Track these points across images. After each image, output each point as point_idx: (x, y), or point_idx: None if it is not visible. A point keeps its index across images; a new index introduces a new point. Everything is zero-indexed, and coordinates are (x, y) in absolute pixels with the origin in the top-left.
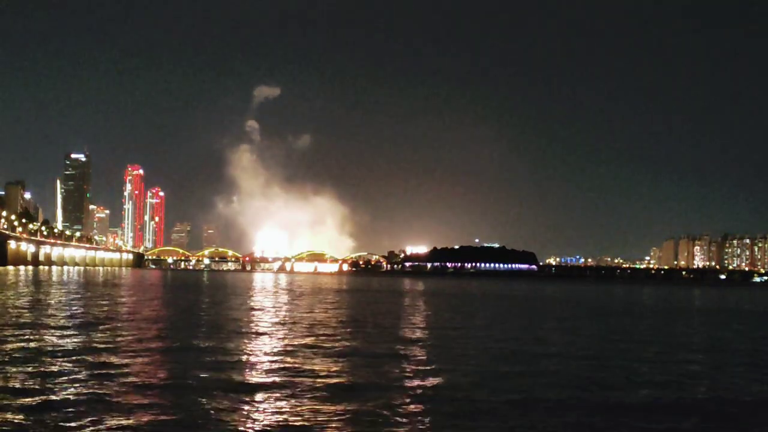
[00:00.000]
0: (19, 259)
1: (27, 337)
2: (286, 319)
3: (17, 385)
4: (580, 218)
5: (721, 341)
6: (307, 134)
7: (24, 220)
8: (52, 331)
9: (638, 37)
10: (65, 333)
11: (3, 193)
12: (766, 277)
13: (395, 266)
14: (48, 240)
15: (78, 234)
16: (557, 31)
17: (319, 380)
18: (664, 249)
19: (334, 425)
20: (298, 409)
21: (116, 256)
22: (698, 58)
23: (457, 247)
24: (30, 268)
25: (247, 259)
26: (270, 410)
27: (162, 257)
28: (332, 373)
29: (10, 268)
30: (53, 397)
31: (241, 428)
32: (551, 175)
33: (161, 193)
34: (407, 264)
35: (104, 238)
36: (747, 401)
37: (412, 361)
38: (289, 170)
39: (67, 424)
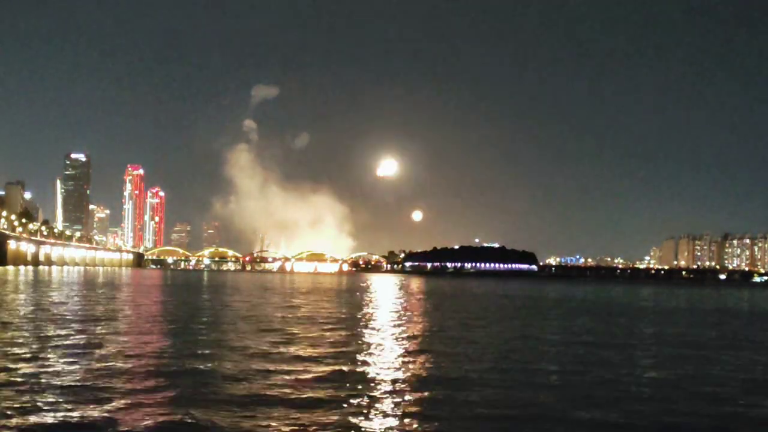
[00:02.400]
0: (19, 259)
1: (27, 336)
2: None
3: (14, 388)
4: (580, 218)
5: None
6: (305, 133)
7: (24, 220)
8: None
9: (638, 37)
10: (66, 332)
11: (3, 193)
12: (766, 277)
13: (395, 266)
14: (48, 240)
15: (78, 234)
16: (556, 31)
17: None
18: (664, 249)
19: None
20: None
21: (116, 256)
22: (698, 58)
23: (457, 247)
24: (30, 268)
25: (247, 259)
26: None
27: (162, 257)
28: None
29: (10, 268)
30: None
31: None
32: (551, 175)
33: (161, 193)
34: (407, 264)
35: (104, 238)
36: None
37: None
38: (287, 170)
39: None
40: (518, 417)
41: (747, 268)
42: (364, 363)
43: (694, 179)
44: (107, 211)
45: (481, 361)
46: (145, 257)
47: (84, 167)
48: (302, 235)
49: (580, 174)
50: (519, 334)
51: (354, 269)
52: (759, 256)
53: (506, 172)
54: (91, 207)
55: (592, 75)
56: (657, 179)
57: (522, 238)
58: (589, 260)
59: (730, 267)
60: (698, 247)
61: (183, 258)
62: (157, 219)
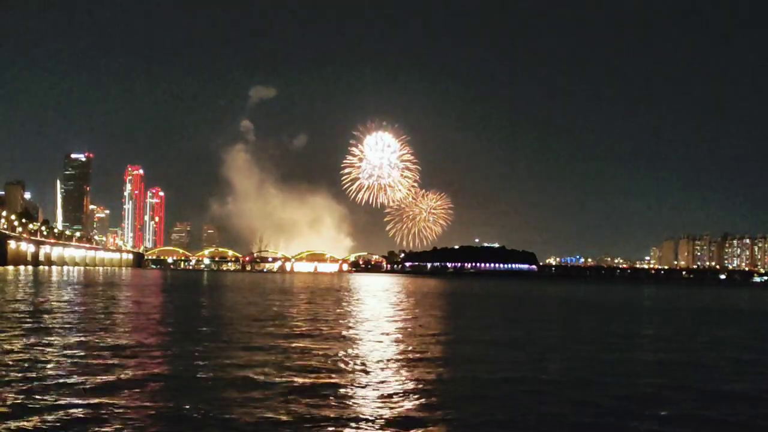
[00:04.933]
0: (19, 259)
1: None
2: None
3: (15, 385)
4: (580, 218)
5: None
6: (303, 134)
7: (24, 220)
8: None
9: (638, 37)
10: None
11: (3, 193)
12: (766, 277)
13: (395, 266)
14: (48, 240)
15: (78, 234)
16: (556, 31)
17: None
18: (664, 249)
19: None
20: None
21: (116, 256)
22: (698, 58)
23: (457, 247)
24: (30, 268)
25: (247, 259)
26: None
27: (162, 257)
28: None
29: (10, 268)
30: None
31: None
32: (551, 175)
33: (161, 193)
34: (407, 264)
35: (104, 238)
36: None
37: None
38: (285, 170)
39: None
40: None
41: (747, 268)
42: None
43: (694, 179)
44: (107, 211)
45: None
46: (145, 257)
47: (84, 167)
48: (301, 235)
49: (581, 174)
50: None
51: (354, 269)
52: (759, 256)
53: (506, 171)
54: (91, 207)
55: (592, 75)
56: (657, 179)
57: (522, 238)
58: (589, 260)
59: (730, 267)
60: (698, 247)
61: (183, 258)
62: (157, 219)
